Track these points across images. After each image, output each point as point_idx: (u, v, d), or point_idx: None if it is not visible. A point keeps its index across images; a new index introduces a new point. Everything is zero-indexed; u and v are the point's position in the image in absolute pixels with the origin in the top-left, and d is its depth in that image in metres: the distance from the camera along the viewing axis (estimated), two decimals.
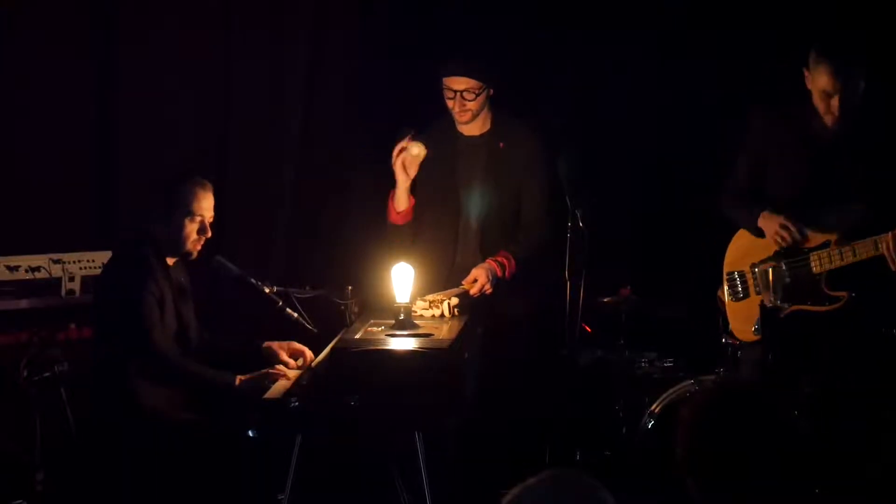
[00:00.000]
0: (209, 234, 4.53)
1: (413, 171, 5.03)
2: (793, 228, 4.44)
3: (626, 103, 5.77)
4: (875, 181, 4.40)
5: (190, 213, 4.46)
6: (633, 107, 5.78)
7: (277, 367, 4.48)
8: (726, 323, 4.73)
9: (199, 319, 4.70)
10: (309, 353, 4.58)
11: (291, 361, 4.56)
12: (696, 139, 5.67)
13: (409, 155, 4.98)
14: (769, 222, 4.52)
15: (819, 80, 4.38)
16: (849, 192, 4.44)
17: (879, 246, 4.29)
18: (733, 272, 4.67)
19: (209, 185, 4.55)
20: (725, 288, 4.70)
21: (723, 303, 4.74)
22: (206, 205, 4.51)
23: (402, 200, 5.08)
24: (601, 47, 5.80)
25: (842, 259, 4.40)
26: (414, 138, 4.98)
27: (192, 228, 4.48)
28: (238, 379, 4.40)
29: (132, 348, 4.37)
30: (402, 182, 5.04)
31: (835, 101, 4.37)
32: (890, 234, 4.27)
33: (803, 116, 4.50)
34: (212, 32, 5.78)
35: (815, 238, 4.48)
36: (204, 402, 4.50)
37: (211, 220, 4.55)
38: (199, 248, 4.53)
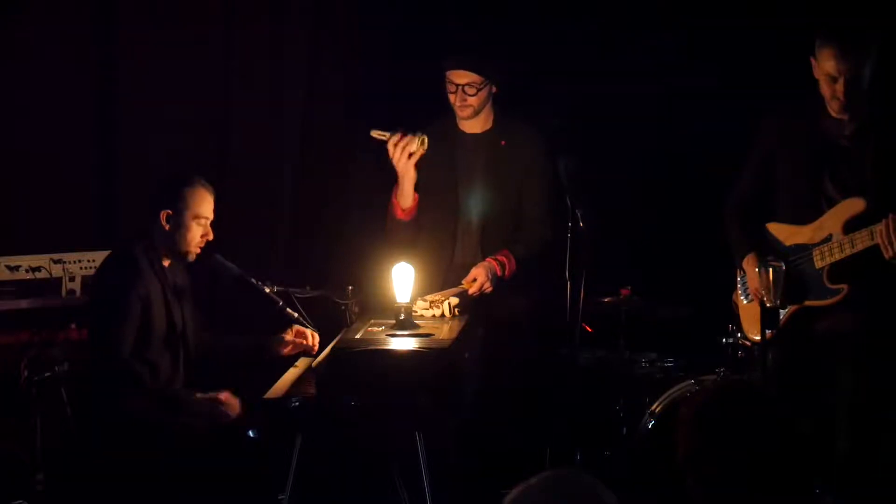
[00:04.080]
0: (211, 237, 4.54)
1: (413, 168, 4.99)
2: (772, 287, 4.33)
3: (626, 103, 5.76)
4: (879, 179, 4.40)
5: (196, 216, 4.47)
6: (633, 107, 5.78)
7: (224, 396, 4.41)
8: (740, 325, 4.73)
9: (200, 320, 4.70)
10: (312, 338, 4.60)
11: (296, 340, 4.61)
12: (697, 139, 5.67)
13: (411, 149, 4.94)
14: (752, 270, 4.48)
15: (824, 64, 4.36)
16: (853, 187, 4.44)
17: (875, 235, 4.30)
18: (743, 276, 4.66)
19: (211, 187, 4.56)
20: (738, 289, 4.71)
21: (737, 305, 4.73)
22: (210, 207, 4.53)
23: (408, 196, 5.04)
24: (601, 47, 5.79)
25: (841, 251, 4.40)
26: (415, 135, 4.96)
27: (197, 231, 4.49)
28: (195, 395, 4.41)
29: (95, 350, 4.40)
30: (409, 178, 4.99)
31: (839, 86, 4.35)
32: (884, 221, 4.28)
33: (814, 112, 4.49)
34: (212, 32, 5.78)
35: (818, 234, 4.49)
36: None
37: (211, 220, 4.56)
38: (199, 250, 4.54)
